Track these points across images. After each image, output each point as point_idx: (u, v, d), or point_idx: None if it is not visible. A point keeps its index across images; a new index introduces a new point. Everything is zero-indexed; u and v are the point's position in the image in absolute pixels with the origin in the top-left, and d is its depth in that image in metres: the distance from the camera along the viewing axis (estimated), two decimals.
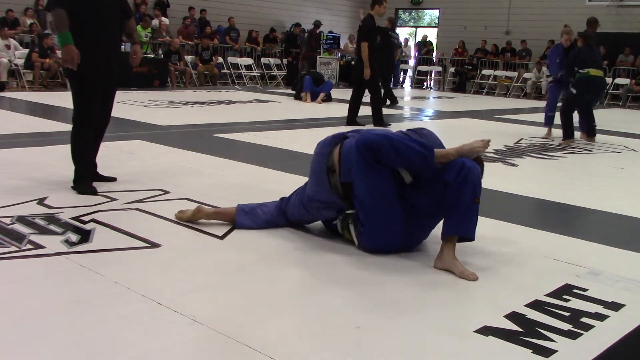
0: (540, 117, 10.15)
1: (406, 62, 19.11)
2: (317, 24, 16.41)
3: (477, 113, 10.82)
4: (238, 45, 15.79)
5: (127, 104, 9.01)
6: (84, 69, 3.75)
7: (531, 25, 17.06)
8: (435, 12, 20.29)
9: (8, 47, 11.39)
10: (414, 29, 21.37)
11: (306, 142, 6.39)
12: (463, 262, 2.89)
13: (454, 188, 2.78)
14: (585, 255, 3.15)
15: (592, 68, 7.25)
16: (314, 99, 11.17)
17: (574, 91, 7.39)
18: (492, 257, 3.07)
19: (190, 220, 3.34)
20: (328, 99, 11.42)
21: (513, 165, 5.69)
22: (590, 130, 7.66)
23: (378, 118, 8.26)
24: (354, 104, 8.31)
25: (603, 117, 10.57)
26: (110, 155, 4.96)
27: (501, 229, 3.55)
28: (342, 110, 9.92)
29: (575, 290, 2.67)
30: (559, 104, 7.97)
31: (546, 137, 7.84)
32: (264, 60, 16.08)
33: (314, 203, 3.12)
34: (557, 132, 7.74)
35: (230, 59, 15.09)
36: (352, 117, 8.30)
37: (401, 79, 18.91)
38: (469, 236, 2.86)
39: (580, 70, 7.31)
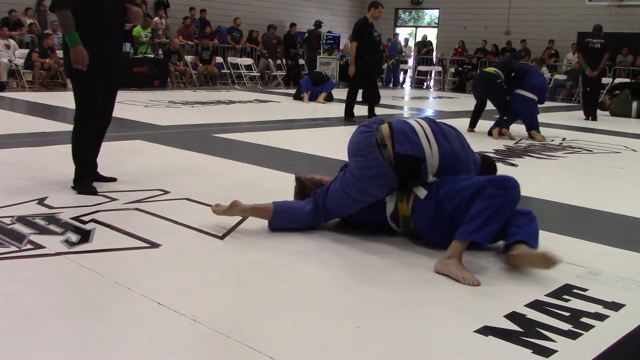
0: (540, 117, 10.20)
1: (406, 62, 19.11)
2: (318, 24, 16.40)
3: None
4: (240, 45, 15.78)
5: (127, 104, 9.01)
6: (87, 69, 3.75)
7: (531, 25, 17.07)
8: (435, 12, 20.29)
9: (7, 46, 11.39)
10: (414, 29, 21.37)
11: (306, 142, 6.40)
12: (463, 261, 2.91)
13: (490, 196, 2.81)
14: (585, 255, 3.15)
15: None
16: (312, 99, 11.17)
17: None
18: (492, 257, 3.07)
19: (225, 214, 3.31)
20: (330, 98, 11.42)
21: (513, 165, 5.69)
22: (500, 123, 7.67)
23: (348, 112, 8.81)
24: (365, 98, 9.08)
25: (604, 117, 10.59)
26: (110, 155, 4.96)
27: None
28: (341, 111, 9.92)
29: (575, 290, 2.67)
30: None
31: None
32: (264, 60, 16.07)
33: (363, 182, 3.06)
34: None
35: (230, 59, 15.09)
36: (371, 111, 8.90)
37: (401, 79, 18.93)
38: (480, 242, 2.86)
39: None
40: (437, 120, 3.29)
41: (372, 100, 8.98)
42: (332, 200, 3.20)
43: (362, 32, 8.46)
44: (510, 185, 2.86)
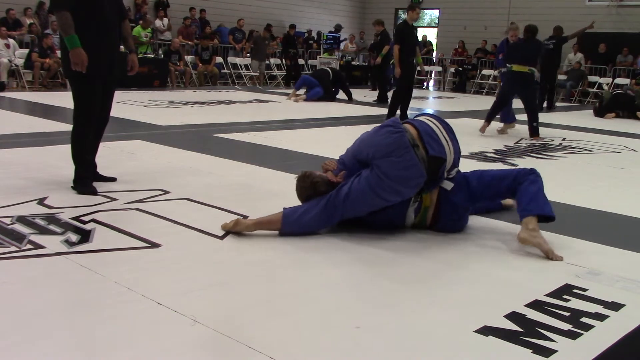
0: (540, 117, 10.16)
1: None
2: (338, 28, 16.61)
3: (477, 113, 10.80)
4: (240, 45, 15.76)
5: (127, 104, 9.01)
6: (86, 69, 3.75)
7: None
8: (435, 12, 20.29)
9: (7, 46, 11.38)
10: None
11: (306, 142, 6.40)
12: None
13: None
14: (585, 255, 3.15)
15: (516, 63, 7.47)
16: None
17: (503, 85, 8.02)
18: (492, 257, 3.07)
19: (232, 230, 3.18)
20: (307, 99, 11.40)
21: (513, 165, 5.69)
22: (532, 130, 7.64)
23: (393, 111, 8.92)
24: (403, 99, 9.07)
25: (601, 118, 10.60)
26: (110, 155, 4.96)
27: (501, 229, 3.55)
28: (341, 111, 9.94)
29: (575, 290, 2.67)
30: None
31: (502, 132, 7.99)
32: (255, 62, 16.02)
33: (399, 183, 3.10)
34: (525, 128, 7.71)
35: (230, 59, 15.07)
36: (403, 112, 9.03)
37: None
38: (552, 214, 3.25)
39: (507, 65, 7.71)
40: (437, 117, 3.47)
41: (404, 103, 9.03)
42: (357, 200, 3.13)
43: (402, 35, 8.68)
44: (537, 173, 3.33)
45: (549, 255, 3.03)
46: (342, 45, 18.00)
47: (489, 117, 7.77)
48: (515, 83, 7.58)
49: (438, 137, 3.24)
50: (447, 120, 3.54)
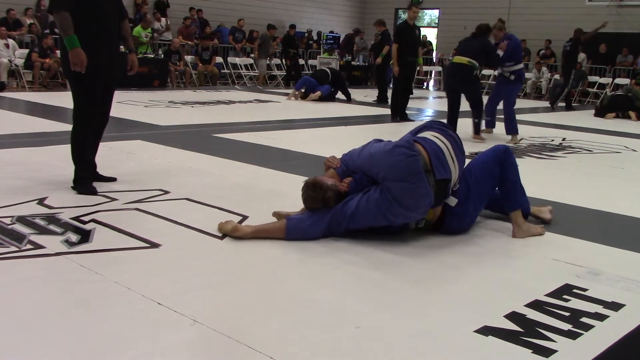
0: (540, 117, 10.16)
1: None
2: (357, 31, 17.03)
3: None
4: (240, 45, 15.75)
5: (127, 104, 9.01)
6: (85, 69, 3.75)
7: (531, 25, 17.06)
8: (435, 12, 20.30)
9: (7, 45, 11.37)
10: None
11: (306, 142, 6.40)
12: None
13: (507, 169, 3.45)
14: (585, 255, 3.15)
15: (457, 55, 7.26)
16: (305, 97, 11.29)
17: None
18: (492, 258, 3.07)
19: (229, 234, 3.16)
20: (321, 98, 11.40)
21: None
22: (475, 127, 7.48)
23: (396, 110, 9.15)
24: (401, 98, 9.24)
25: (603, 119, 10.60)
26: (110, 155, 4.96)
27: (501, 229, 3.56)
28: (341, 111, 9.93)
29: (575, 290, 2.67)
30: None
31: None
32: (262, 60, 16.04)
33: (409, 210, 3.05)
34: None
35: (230, 59, 15.07)
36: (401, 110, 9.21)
37: None
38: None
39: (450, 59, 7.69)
40: (445, 129, 3.44)
41: (403, 100, 9.19)
42: (363, 218, 3.12)
43: (400, 34, 9.01)
44: (507, 155, 3.46)
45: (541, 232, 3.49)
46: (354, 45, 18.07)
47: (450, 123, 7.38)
48: (454, 75, 7.33)
49: (445, 157, 3.18)
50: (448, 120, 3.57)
